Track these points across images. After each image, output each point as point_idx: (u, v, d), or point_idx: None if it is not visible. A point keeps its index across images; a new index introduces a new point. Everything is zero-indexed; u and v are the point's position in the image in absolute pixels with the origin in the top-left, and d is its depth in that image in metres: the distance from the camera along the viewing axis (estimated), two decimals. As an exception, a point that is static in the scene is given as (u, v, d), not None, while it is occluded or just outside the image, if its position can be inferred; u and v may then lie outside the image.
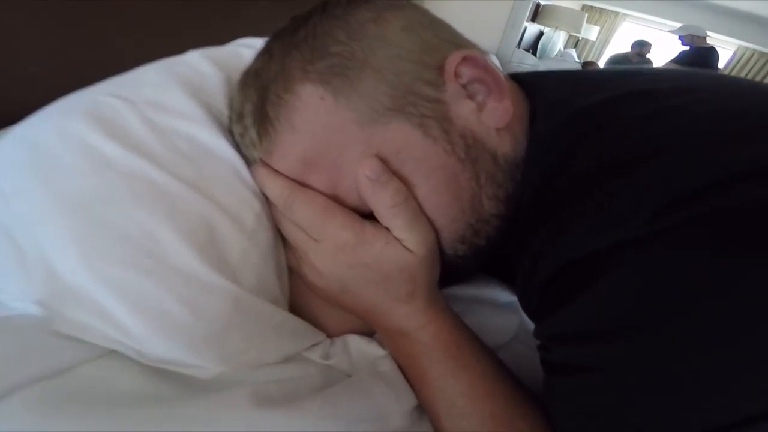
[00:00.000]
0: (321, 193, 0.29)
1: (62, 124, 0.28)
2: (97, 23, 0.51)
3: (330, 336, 0.35)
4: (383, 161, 0.27)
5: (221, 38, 0.44)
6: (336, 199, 0.29)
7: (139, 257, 0.25)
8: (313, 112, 0.28)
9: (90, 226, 0.25)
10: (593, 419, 0.24)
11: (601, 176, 0.24)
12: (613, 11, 4.86)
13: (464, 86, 0.30)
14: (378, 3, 0.30)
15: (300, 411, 0.26)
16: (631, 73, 0.33)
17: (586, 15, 3.48)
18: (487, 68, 0.30)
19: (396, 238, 0.29)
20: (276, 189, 0.29)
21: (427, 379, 0.30)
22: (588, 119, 0.28)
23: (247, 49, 0.38)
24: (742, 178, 0.20)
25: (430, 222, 0.29)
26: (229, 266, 0.27)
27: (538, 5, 2.73)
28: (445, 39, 0.31)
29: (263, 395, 0.27)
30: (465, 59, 0.29)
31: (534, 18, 2.71)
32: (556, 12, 2.80)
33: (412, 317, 0.30)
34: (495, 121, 0.30)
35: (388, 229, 0.29)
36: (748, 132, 0.23)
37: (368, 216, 0.29)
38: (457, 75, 0.29)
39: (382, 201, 0.28)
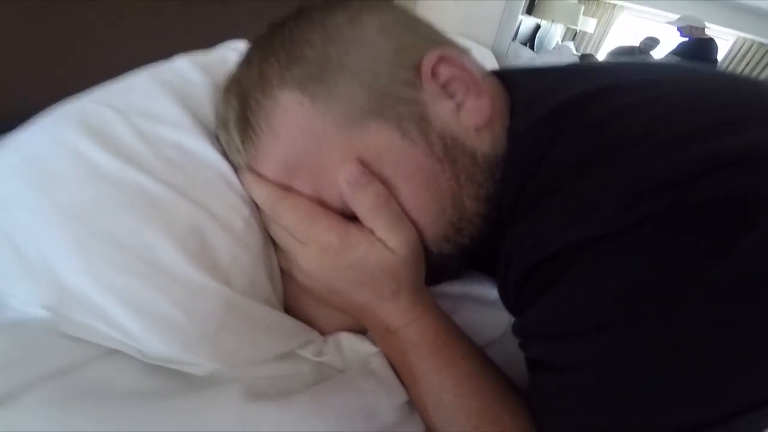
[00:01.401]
0: (306, 196, 0.30)
1: (57, 135, 0.29)
2: (81, 24, 0.49)
3: (323, 334, 0.36)
4: (365, 164, 0.28)
5: (209, 38, 0.43)
6: (321, 203, 0.30)
7: (135, 263, 0.26)
8: (292, 118, 0.28)
9: (89, 235, 0.26)
10: (572, 417, 0.24)
11: (569, 176, 0.25)
12: (610, 3, 4.83)
13: (443, 86, 0.30)
14: (354, 5, 0.30)
15: (289, 405, 0.27)
16: (601, 68, 0.33)
17: (583, 7, 3.44)
18: (463, 67, 0.30)
19: (379, 239, 0.29)
20: (262, 195, 0.30)
21: (415, 376, 0.31)
22: (557, 118, 0.28)
23: (233, 52, 0.38)
24: (711, 170, 0.20)
25: (413, 222, 0.30)
26: (220, 270, 0.28)
27: (533, -2, 2.71)
28: (422, 38, 0.31)
29: (255, 390, 0.28)
30: (441, 59, 0.29)
31: (530, 11, 2.69)
32: (552, 4, 2.76)
33: (398, 315, 0.31)
34: (473, 120, 0.30)
35: (371, 231, 0.29)
36: (719, 124, 0.22)
37: (353, 218, 0.30)
38: (434, 75, 0.29)
39: (363, 204, 0.28)
